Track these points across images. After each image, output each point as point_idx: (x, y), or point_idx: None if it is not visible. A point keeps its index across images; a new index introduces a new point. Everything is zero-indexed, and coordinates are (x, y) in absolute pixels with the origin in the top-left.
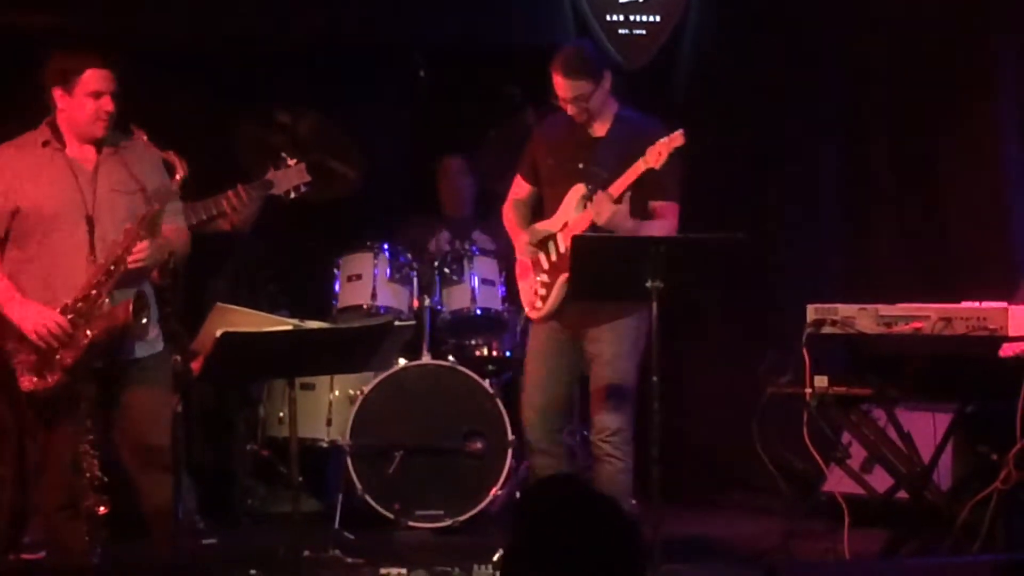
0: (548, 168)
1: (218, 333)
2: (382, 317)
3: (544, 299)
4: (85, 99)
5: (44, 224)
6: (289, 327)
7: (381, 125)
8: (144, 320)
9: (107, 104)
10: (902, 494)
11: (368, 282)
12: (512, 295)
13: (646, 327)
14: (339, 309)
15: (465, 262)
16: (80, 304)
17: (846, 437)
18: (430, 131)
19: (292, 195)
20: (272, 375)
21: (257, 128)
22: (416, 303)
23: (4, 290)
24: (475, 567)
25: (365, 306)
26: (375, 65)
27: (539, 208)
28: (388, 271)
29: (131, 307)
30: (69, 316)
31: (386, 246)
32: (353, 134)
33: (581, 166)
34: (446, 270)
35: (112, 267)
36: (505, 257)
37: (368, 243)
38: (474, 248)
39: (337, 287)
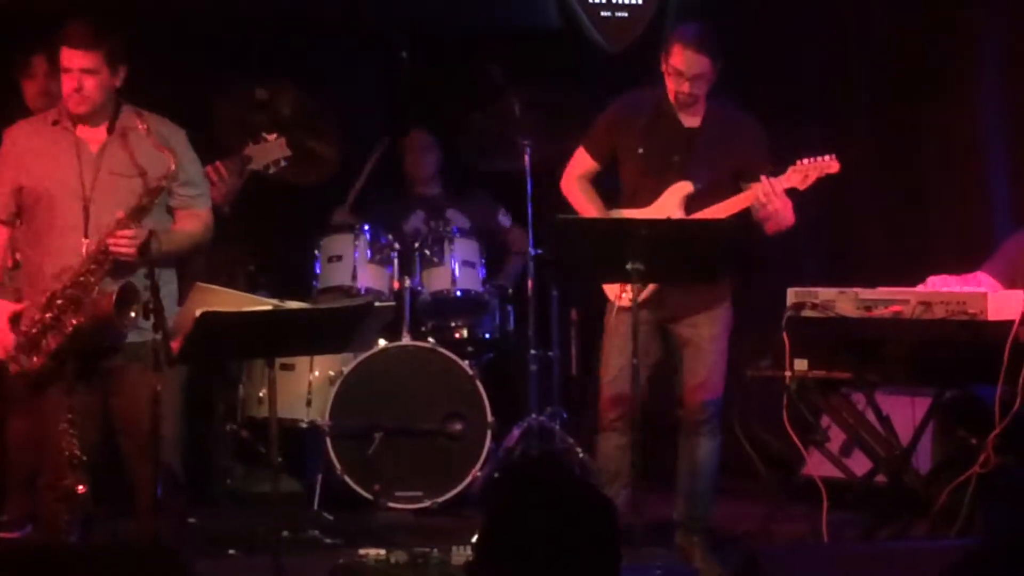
0: (635, 156)
1: (197, 313)
2: (362, 298)
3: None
4: (63, 76)
5: (44, 202)
6: (269, 307)
7: (362, 106)
8: (133, 313)
9: (72, 81)
10: (881, 478)
11: (348, 263)
12: (491, 277)
13: (732, 314)
14: (319, 290)
15: (446, 243)
16: (70, 290)
17: (825, 420)
18: (411, 112)
19: (271, 170)
20: (252, 355)
21: (236, 106)
22: (396, 284)
23: None
24: (454, 548)
25: (345, 287)
26: (357, 46)
27: (596, 183)
28: (368, 252)
29: (114, 298)
30: (59, 301)
31: (366, 227)
32: (334, 115)
33: (677, 159)
34: (426, 251)
35: (102, 254)
36: (484, 232)
37: (348, 224)
38: (455, 229)
39: (317, 268)
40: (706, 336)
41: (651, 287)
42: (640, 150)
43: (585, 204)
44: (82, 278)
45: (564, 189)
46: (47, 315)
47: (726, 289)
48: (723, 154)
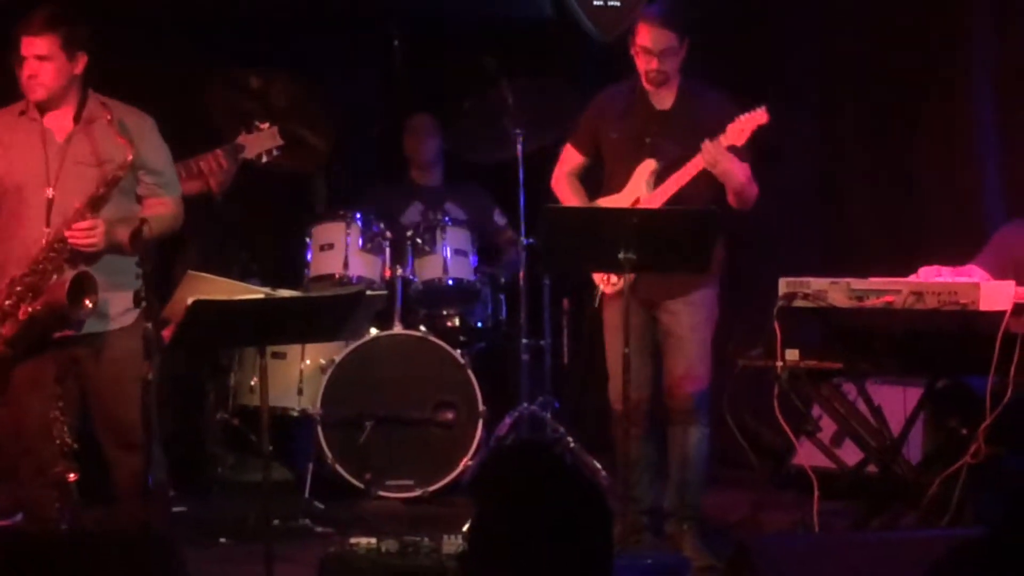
0: (611, 142)
1: (189, 301)
2: (354, 287)
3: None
4: (23, 64)
5: (11, 192)
6: (261, 295)
7: (355, 95)
8: (88, 302)
9: (28, 68)
10: (872, 468)
11: (340, 251)
12: (488, 265)
13: (717, 297)
14: (311, 278)
15: (437, 232)
16: (28, 278)
17: (816, 410)
18: (404, 102)
19: (264, 159)
20: (243, 343)
21: (228, 93)
22: (388, 273)
23: None
24: (445, 537)
25: (337, 275)
26: (350, 34)
27: (588, 179)
28: (360, 240)
29: (66, 286)
30: (17, 288)
31: (358, 215)
32: (327, 103)
33: (648, 140)
34: (418, 240)
35: (60, 243)
36: (477, 227)
37: (340, 212)
38: (446, 219)
39: (309, 256)
40: (686, 325)
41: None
42: (615, 135)
43: (569, 198)
44: (40, 266)
45: (553, 186)
46: (5, 302)
47: (708, 274)
48: (692, 132)
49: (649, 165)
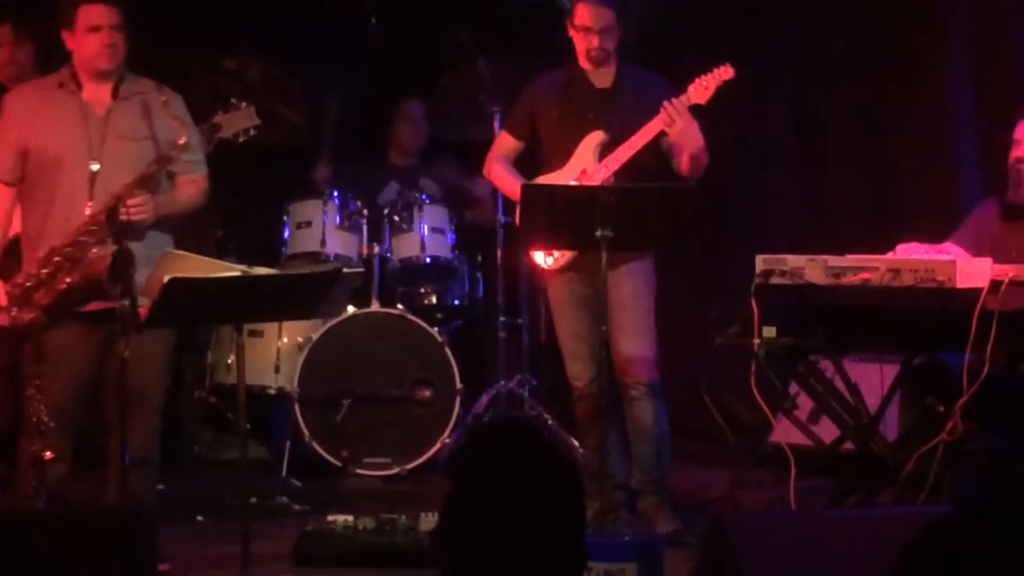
0: (552, 121)
1: (165, 279)
2: (331, 264)
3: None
4: (86, 36)
5: (50, 165)
6: (237, 273)
7: (332, 71)
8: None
9: (106, 37)
10: (849, 445)
11: (317, 229)
12: (461, 243)
13: (652, 273)
14: (288, 256)
15: (415, 210)
16: (68, 249)
17: (794, 388)
18: (381, 78)
19: (241, 138)
20: (220, 321)
21: (205, 74)
22: (366, 250)
23: None
24: (422, 515)
25: (314, 253)
26: (326, 10)
27: (520, 165)
28: (338, 218)
29: (108, 261)
30: (56, 258)
31: (336, 193)
32: (303, 80)
33: (591, 116)
34: (396, 218)
35: (105, 217)
36: (456, 196)
37: (317, 190)
38: (424, 196)
39: (286, 234)
40: (626, 294)
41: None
42: (555, 114)
43: (506, 179)
44: (82, 238)
45: (485, 172)
46: (43, 271)
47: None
48: (636, 108)
49: (596, 136)
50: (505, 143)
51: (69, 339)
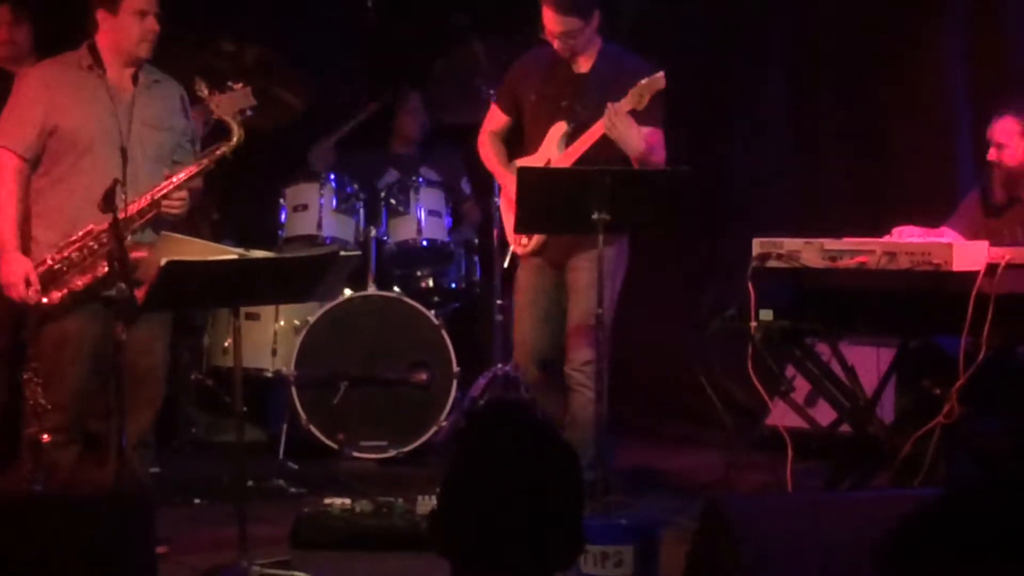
0: (530, 103)
1: (162, 262)
2: (328, 247)
3: (530, 235)
4: (131, 19)
5: (79, 147)
6: (234, 256)
7: (328, 53)
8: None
9: (152, 24)
10: (845, 428)
11: (314, 212)
12: (467, 222)
13: (625, 257)
14: (285, 239)
15: (411, 193)
16: (106, 235)
17: (790, 371)
18: (378, 60)
19: (237, 119)
20: (216, 304)
21: (202, 56)
22: (362, 234)
23: (5, 236)
24: (419, 498)
25: (311, 236)
26: None
27: (513, 139)
28: (334, 201)
29: (152, 253)
30: (90, 243)
31: (332, 176)
32: (300, 63)
33: (564, 103)
34: (392, 201)
35: (148, 207)
36: (451, 189)
37: (314, 172)
38: (420, 179)
39: (283, 217)
40: (583, 283)
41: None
42: (533, 97)
43: (494, 163)
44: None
45: (478, 146)
46: (74, 253)
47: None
48: (606, 95)
49: (560, 127)
50: (496, 117)
51: (85, 323)
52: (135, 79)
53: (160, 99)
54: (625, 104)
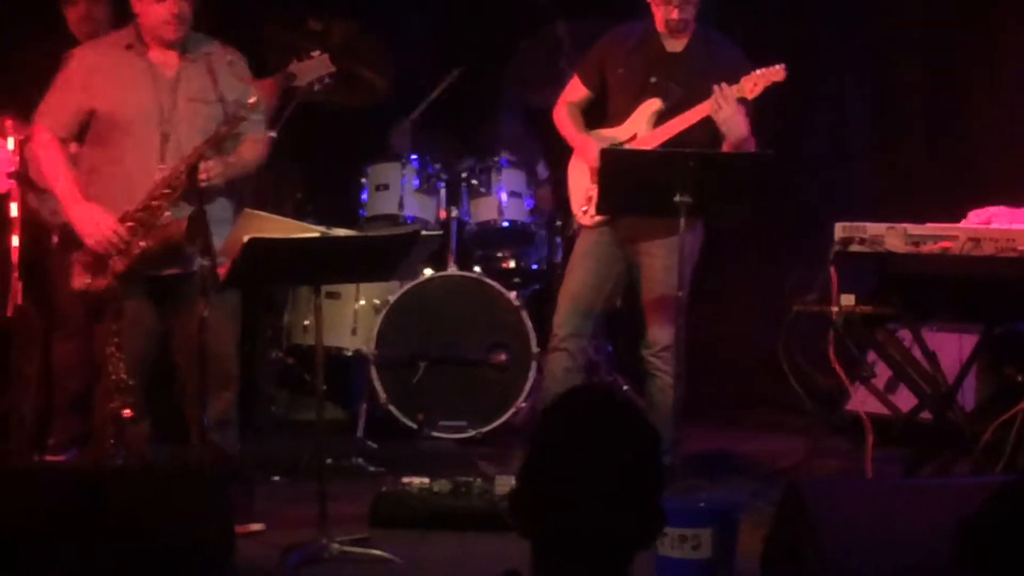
0: (617, 77)
1: (245, 239)
2: (409, 226)
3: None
4: (152, 2)
5: (120, 128)
6: (316, 234)
7: (409, 34)
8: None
9: (172, 6)
10: (926, 414)
11: (396, 192)
12: (539, 208)
13: (699, 243)
14: (366, 218)
15: (493, 174)
16: (140, 213)
17: (871, 356)
18: (458, 41)
19: (316, 87)
20: (298, 282)
21: (287, 33)
22: (443, 214)
23: (69, 191)
24: (497, 478)
25: (392, 216)
26: None
27: (590, 113)
28: (416, 181)
29: (184, 226)
30: (128, 224)
31: (414, 156)
32: (385, 44)
33: (653, 80)
34: (474, 181)
35: (176, 180)
36: (531, 169)
37: (396, 152)
38: (503, 160)
39: (365, 196)
40: (659, 268)
41: None
42: (621, 71)
43: (570, 128)
44: (155, 202)
45: (554, 115)
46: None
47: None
48: (699, 77)
49: (653, 104)
50: (576, 90)
51: (140, 304)
52: (182, 54)
53: (207, 71)
54: (738, 90)
